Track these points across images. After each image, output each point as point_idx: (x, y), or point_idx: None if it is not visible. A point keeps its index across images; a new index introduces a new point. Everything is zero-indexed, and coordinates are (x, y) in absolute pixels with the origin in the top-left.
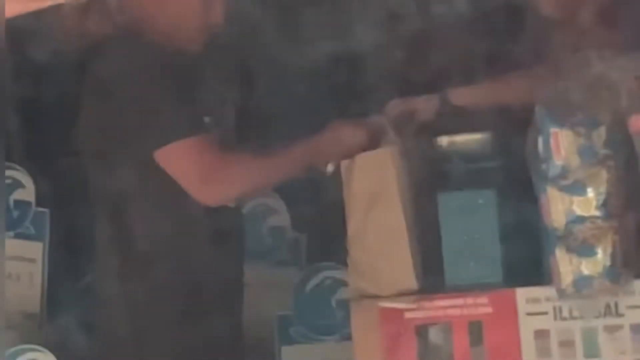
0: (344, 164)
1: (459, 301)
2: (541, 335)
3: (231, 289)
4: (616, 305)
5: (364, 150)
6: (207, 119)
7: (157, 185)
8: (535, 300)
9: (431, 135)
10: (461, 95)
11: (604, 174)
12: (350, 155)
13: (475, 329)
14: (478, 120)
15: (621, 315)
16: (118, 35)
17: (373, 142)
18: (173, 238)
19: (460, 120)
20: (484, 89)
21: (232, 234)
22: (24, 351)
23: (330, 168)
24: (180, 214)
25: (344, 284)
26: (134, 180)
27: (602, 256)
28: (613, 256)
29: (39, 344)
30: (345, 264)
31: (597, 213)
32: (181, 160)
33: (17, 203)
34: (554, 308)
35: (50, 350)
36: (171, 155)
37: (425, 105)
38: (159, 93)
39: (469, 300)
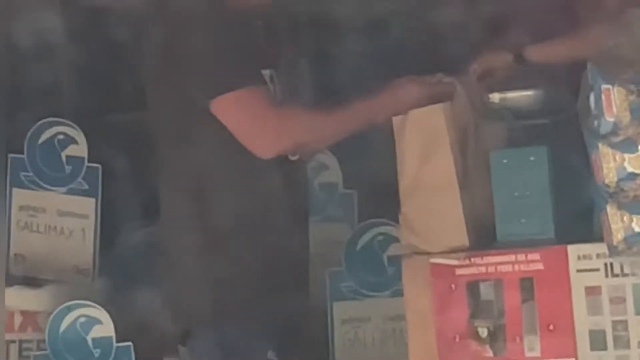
0: (396, 120)
1: (510, 257)
2: (592, 291)
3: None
4: None
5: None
6: (269, 72)
7: (218, 140)
8: (587, 257)
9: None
10: (535, 52)
11: None
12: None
13: (527, 285)
14: (537, 76)
15: None
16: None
17: (438, 100)
18: (238, 199)
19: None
20: (555, 45)
21: (300, 185)
22: (76, 306)
23: None
24: (245, 173)
25: (396, 240)
26: (195, 132)
27: None
28: None
29: (91, 299)
30: (397, 221)
31: None
32: (235, 110)
33: (70, 159)
34: (605, 265)
35: (102, 306)
36: (226, 104)
37: (501, 63)
38: (218, 43)
39: (520, 257)
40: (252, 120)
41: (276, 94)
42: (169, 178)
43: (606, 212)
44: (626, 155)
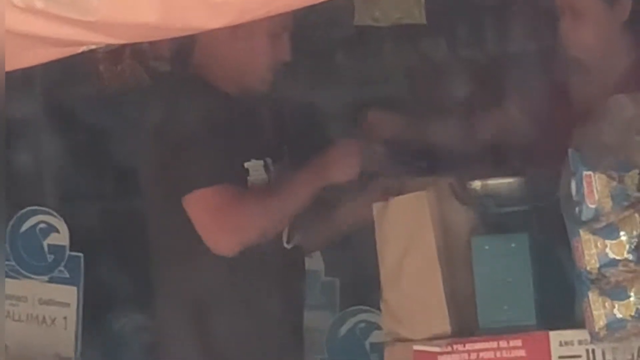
0: (377, 207)
1: (493, 344)
2: None
3: (293, 332)
4: None
5: (369, 168)
6: (262, 161)
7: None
8: (569, 343)
9: (465, 178)
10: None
11: (636, 217)
12: (350, 173)
13: None
14: (512, 163)
15: None
16: (168, 78)
17: (377, 165)
18: (232, 281)
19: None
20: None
21: (295, 275)
22: None
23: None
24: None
25: (378, 327)
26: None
27: (635, 299)
28: None
29: None
30: (379, 308)
31: (629, 256)
32: (198, 209)
33: (52, 247)
34: (587, 351)
35: None
36: (191, 202)
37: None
38: (195, 137)
39: (503, 344)
40: (212, 220)
41: (270, 181)
42: (157, 271)
43: (588, 299)
44: (608, 242)
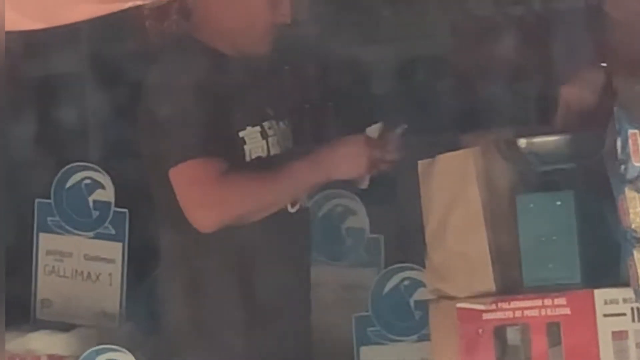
0: (422, 164)
1: (537, 302)
2: (619, 336)
3: (298, 292)
4: None
5: (371, 165)
6: (245, 132)
7: None
8: (614, 301)
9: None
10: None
11: None
12: (356, 172)
13: (554, 330)
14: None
15: None
16: (172, 40)
17: (383, 162)
18: (237, 242)
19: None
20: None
21: (300, 236)
22: (103, 351)
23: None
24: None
25: (422, 285)
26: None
27: None
28: None
29: (117, 344)
30: (424, 265)
31: None
32: (181, 182)
33: (97, 203)
34: (632, 309)
35: (129, 350)
36: (175, 175)
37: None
38: (185, 106)
39: (547, 301)
40: (193, 194)
41: (271, 145)
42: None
43: (633, 257)
44: None
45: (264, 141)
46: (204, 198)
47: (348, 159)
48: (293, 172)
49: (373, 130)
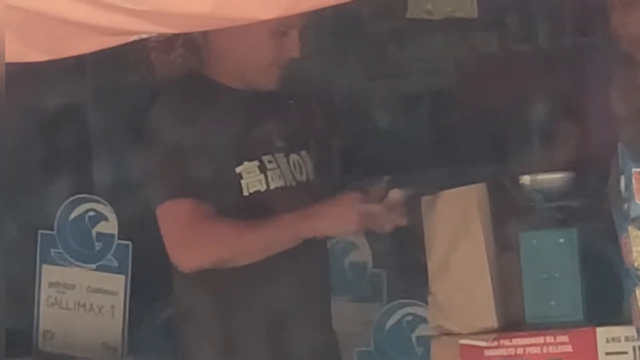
0: (425, 200)
1: (539, 339)
2: None
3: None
4: None
5: (366, 224)
6: (242, 167)
7: None
8: (616, 340)
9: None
10: None
11: None
12: (348, 231)
13: None
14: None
15: None
16: (176, 74)
17: (376, 222)
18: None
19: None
20: None
21: (320, 269)
22: None
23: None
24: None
25: (425, 320)
26: None
27: None
28: None
29: None
30: (426, 301)
31: None
32: (165, 220)
33: (100, 235)
34: (634, 347)
35: None
36: (161, 213)
37: None
38: (178, 147)
39: (549, 339)
40: (175, 233)
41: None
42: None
43: (635, 295)
44: None
45: (262, 175)
46: (184, 238)
47: (340, 218)
48: (282, 224)
49: (394, 193)
